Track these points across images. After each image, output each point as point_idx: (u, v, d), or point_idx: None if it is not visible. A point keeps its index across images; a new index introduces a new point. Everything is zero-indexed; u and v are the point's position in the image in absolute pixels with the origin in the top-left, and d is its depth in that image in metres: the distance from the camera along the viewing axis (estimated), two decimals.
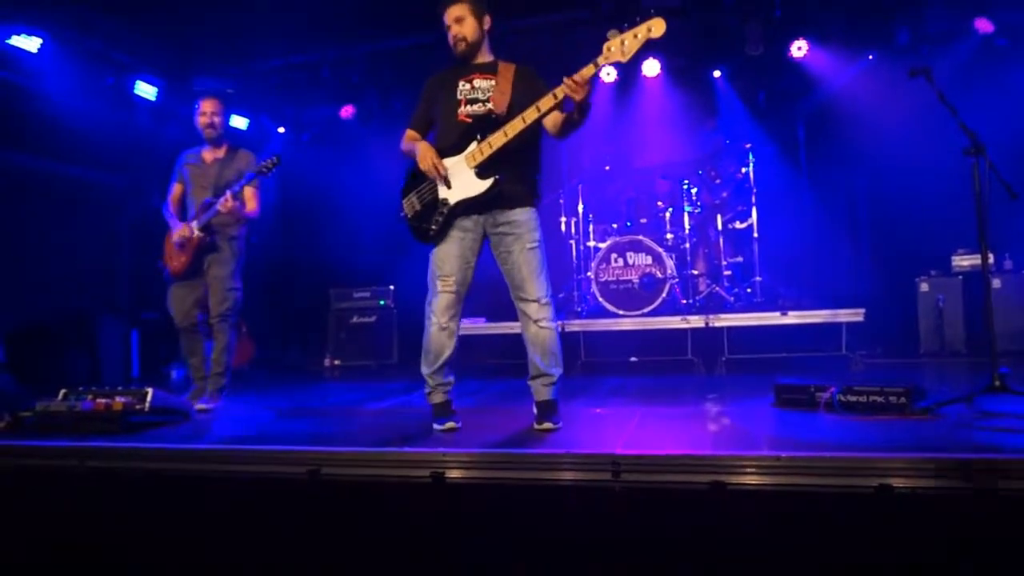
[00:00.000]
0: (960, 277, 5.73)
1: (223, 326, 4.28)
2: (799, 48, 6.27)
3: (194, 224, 4.22)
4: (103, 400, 3.48)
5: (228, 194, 4.11)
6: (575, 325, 5.79)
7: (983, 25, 5.69)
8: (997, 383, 3.02)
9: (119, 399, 3.47)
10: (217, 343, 4.30)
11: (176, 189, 4.45)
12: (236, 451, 2.93)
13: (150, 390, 3.57)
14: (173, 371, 6.54)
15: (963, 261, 5.80)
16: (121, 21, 6.07)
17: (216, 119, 4.33)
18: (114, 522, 2.79)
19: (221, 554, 2.66)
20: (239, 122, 7.48)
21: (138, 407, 3.49)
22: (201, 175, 4.35)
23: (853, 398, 3.18)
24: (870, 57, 6.37)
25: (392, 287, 7.46)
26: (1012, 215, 4.50)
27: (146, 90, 6.49)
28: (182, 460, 2.89)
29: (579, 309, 6.23)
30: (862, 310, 5.19)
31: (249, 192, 4.28)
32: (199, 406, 4.19)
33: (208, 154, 4.41)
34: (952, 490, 2.12)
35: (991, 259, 5.40)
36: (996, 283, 4.81)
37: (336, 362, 7.38)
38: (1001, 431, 2.71)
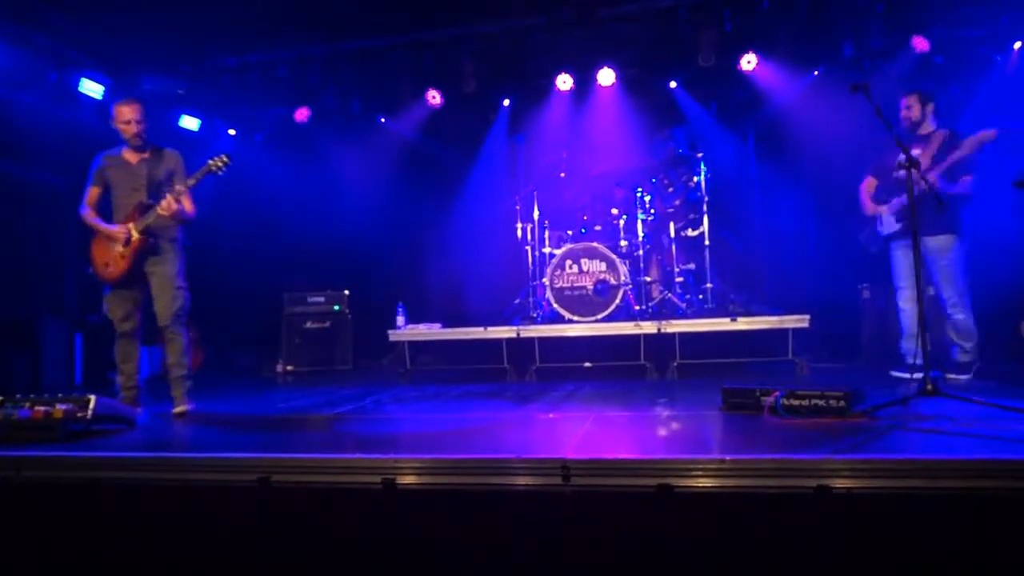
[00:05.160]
0: None
1: (177, 328, 4.20)
2: (748, 61, 6.44)
3: (130, 227, 4.09)
4: (42, 408, 3.36)
5: (170, 196, 4.02)
6: (530, 331, 5.83)
7: (920, 43, 5.94)
8: (929, 387, 3.16)
9: (60, 406, 3.36)
10: (175, 346, 4.21)
11: (94, 192, 4.26)
12: (184, 459, 2.87)
13: (93, 397, 3.46)
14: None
15: None
16: (67, 15, 5.88)
17: (140, 126, 4.18)
18: (52, 534, 2.71)
19: (168, 565, 2.60)
20: (190, 122, 7.32)
21: (80, 415, 3.38)
22: (129, 177, 4.20)
23: (796, 402, 3.28)
24: (816, 72, 6.59)
25: (347, 292, 7.40)
26: None
27: (92, 88, 6.30)
28: (126, 469, 2.82)
29: (535, 315, 6.28)
30: (807, 316, 5.36)
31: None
32: (180, 409, 4.12)
33: (131, 155, 4.25)
34: (885, 490, 2.21)
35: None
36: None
37: (289, 367, 7.29)
38: (932, 432, 2.83)
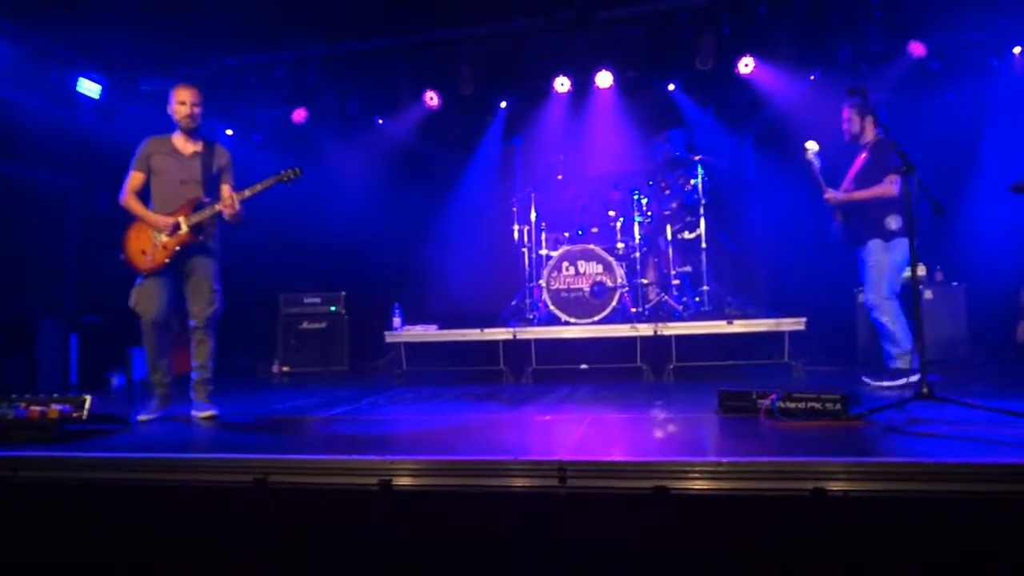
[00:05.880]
0: None
1: (211, 332, 4.14)
2: (746, 65, 6.46)
3: (180, 219, 3.97)
4: (38, 407, 3.36)
5: (232, 196, 3.98)
6: (527, 333, 5.83)
7: (916, 48, 5.96)
8: (926, 390, 3.17)
9: (55, 406, 3.36)
10: (204, 348, 4.14)
11: (137, 178, 4.04)
12: (180, 459, 2.86)
13: (89, 397, 3.45)
14: (114, 378, 6.34)
15: None
16: (65, 16, 5.87)
17: (196, 110, 4.06)
18: (49, 535, 2.70)
19: (165, 566, 2.59)
20: None
21: (75, 415, 3.38)
22: (180, 168, 4.05)
23: (792, 405, 3.29)
24: (812, 77, 6.61)
25: (343, 293, 7.39)
26: (943, 229, 4.74)
27: (89, 88, 6.30)
28: (123, 469, 2.81)
29: (531, 317, 6.28)
30: (804, 319, 5.37)
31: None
32: (208, 413, 4.03)
33: (185, 145, 4.10)
34: (881, 492, 2.22)
35: (923, 271, 5.66)
36: (928, 294, 5.04)
37: (285, 368, 7.27)
38: (928, 436, 2.84)
